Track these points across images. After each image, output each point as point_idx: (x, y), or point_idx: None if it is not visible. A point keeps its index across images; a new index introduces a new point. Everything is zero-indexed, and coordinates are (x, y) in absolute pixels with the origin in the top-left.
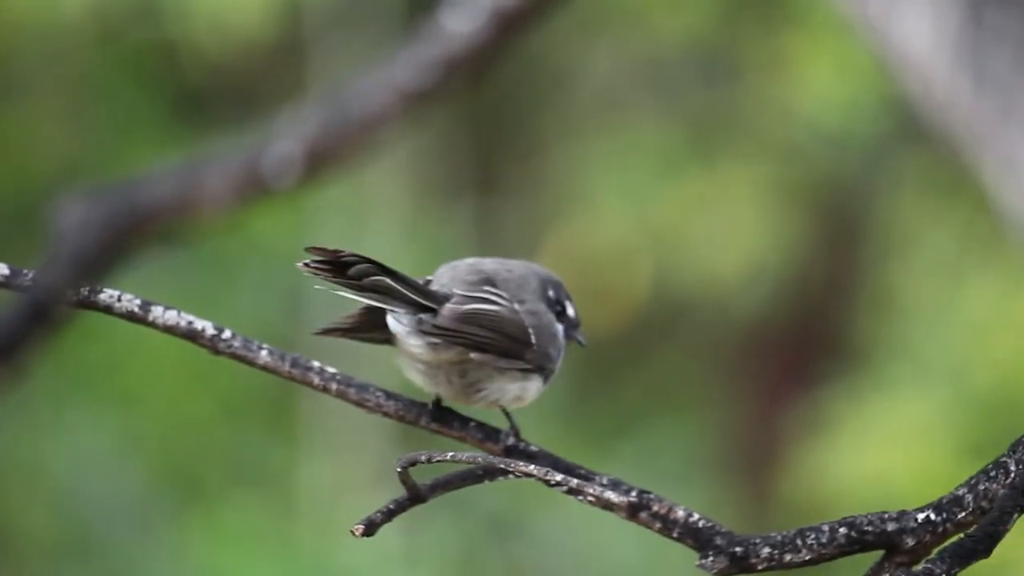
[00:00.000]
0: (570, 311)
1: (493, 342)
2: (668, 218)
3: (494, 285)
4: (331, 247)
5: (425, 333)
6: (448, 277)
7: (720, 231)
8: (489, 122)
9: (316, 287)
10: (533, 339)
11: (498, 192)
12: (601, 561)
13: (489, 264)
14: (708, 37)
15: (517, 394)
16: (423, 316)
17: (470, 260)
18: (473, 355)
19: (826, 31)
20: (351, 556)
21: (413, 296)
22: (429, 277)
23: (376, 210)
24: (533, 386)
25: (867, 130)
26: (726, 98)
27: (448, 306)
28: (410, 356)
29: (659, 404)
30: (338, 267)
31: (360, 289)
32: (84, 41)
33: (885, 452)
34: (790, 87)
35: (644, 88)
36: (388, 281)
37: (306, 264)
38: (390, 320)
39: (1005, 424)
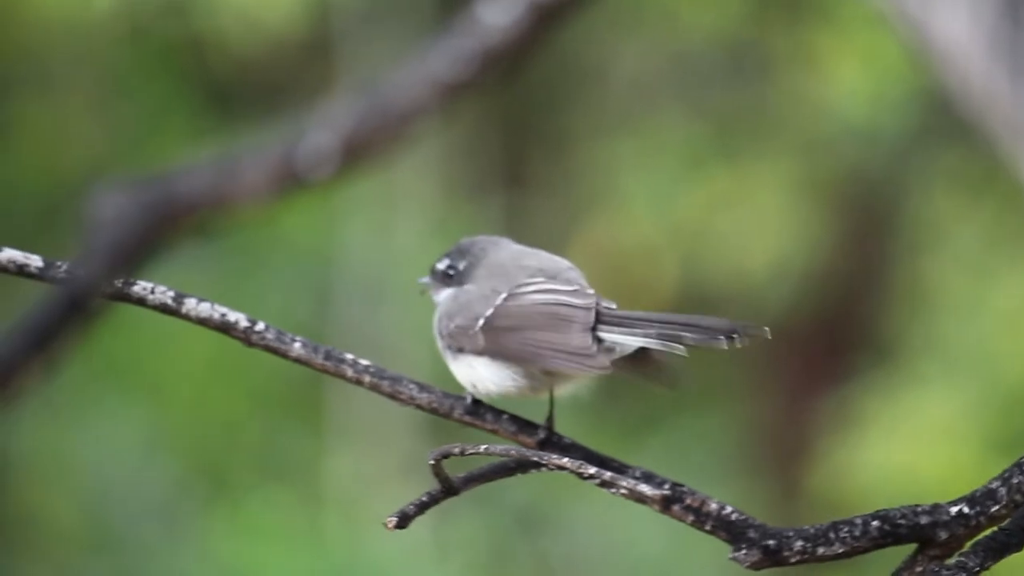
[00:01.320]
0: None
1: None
2: (696, 214)
3: (568, 282)
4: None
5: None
6: (544, 273)
7: (747, 226)
8: (518, 117)
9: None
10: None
11: (527, 187)
12: (629, 555)
13: (540, 258)
14: (736, 33)
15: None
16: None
17: (514, 249)
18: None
19: (854, 25)
20: (379, 549)
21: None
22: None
23: (405, 205)
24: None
25: (895, 125)
26: (754, 94)
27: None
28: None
29: (688, 399)
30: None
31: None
32: (114, 37)
33: (914, 447)
34: (818, 82)
35: (672, 84)
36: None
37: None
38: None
39: None
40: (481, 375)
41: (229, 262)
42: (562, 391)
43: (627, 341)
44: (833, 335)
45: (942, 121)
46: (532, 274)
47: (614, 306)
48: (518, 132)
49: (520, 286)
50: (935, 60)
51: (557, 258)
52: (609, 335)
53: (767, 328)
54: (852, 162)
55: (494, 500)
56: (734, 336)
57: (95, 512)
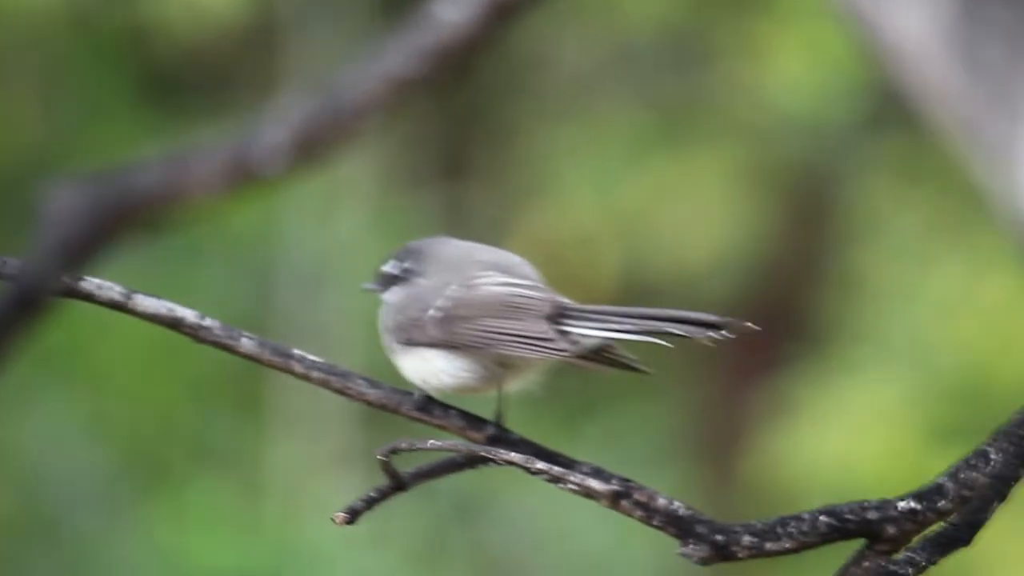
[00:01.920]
0: None
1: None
2: (637, 203)
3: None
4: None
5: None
6: (496, 268)
7: (688, 216)
8: (459, 107)
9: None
10: None
11: (468, 177)
12: (567, 543)
13: (489, 252)
14: (678, 22)
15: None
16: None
17: (468, 248)
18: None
19: (796, 16)
20: (317, 538)
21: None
22: (523, 282)
23: (345, 194)
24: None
25: (836, 115)
26: (696, 83)
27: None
28: (520, 362)
29: (625, 387)
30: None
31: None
32: (56, 25)
33: (851, 435)
34: (760, 72)
35: (614, 74)
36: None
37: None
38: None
39: (971, 408)
40: (435, 367)
41: (167, 251)
42: (513, 386)
43: (601, 335)
44: (772, 323)
45: (882, 111)
46: (485, 267)
47: (567, 301)
48: (458, 121)
49: (474, 278)
50: (886, 56)
51: (509, 254)
52: (580, 329)
53: (750, 323)
54: (793, 152)
55: (432, 489)
56: (720, 330)
57: (33, 500)
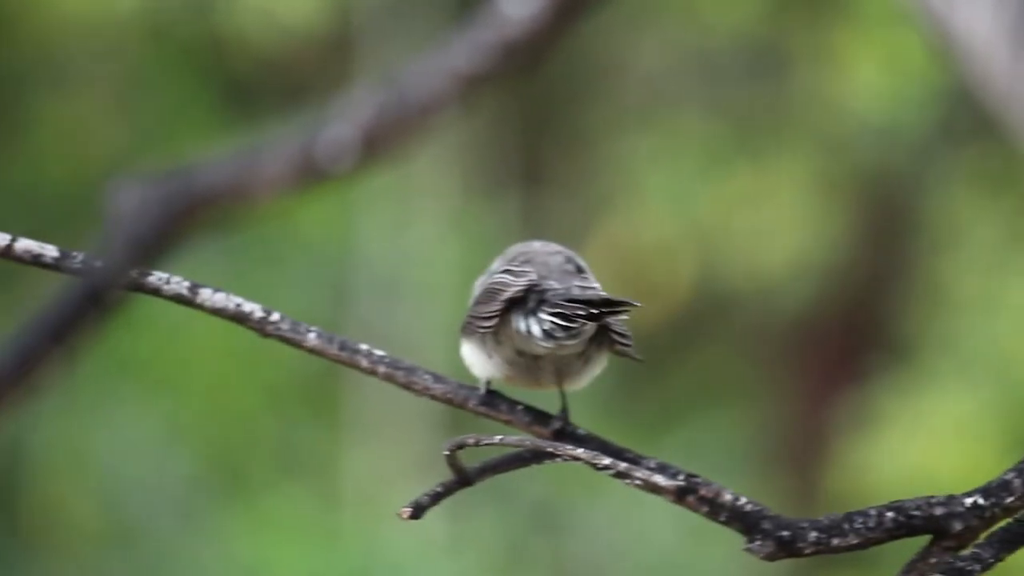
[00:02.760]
0: None
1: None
2: (714, 212)
3: (582, 270)
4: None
5: (562, 329)
6: (544, 268)
7: (766, 225)
8: (536, 113)
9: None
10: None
11: (545, 184)
12: (642, 551)
13: (542, 248)
14: (755, 30)
15: (597, 373)
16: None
17: (536, 246)
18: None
19: (874, 22)
20: (395, 545)
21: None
22: (525, 269)
23: (422, 200)
24: (603, 359)
25: (914, 123)
26: (773, 92)
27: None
28: (529, 350)
29: (704, 398)
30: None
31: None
32: (135, 35)
33: (930, 447)
34: (837, 80)
35: (691, 81)
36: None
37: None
38: (531, 321)
39: None
40: (466, 359)
41: (243, 257)
42: (569, 382)
43: (558, 321)
44: (851, 334)
45: (962, 118)
46: (511, 260)
47: (596, 286)
48: (536, 128)
49: (498, 271)
50: (957, 56)
51: (552, 245)
52: (545, 315)
53: (636, 302)
54: (872, 160)
55: (509, 496)
56: (605, 308)
57: (113, 507)
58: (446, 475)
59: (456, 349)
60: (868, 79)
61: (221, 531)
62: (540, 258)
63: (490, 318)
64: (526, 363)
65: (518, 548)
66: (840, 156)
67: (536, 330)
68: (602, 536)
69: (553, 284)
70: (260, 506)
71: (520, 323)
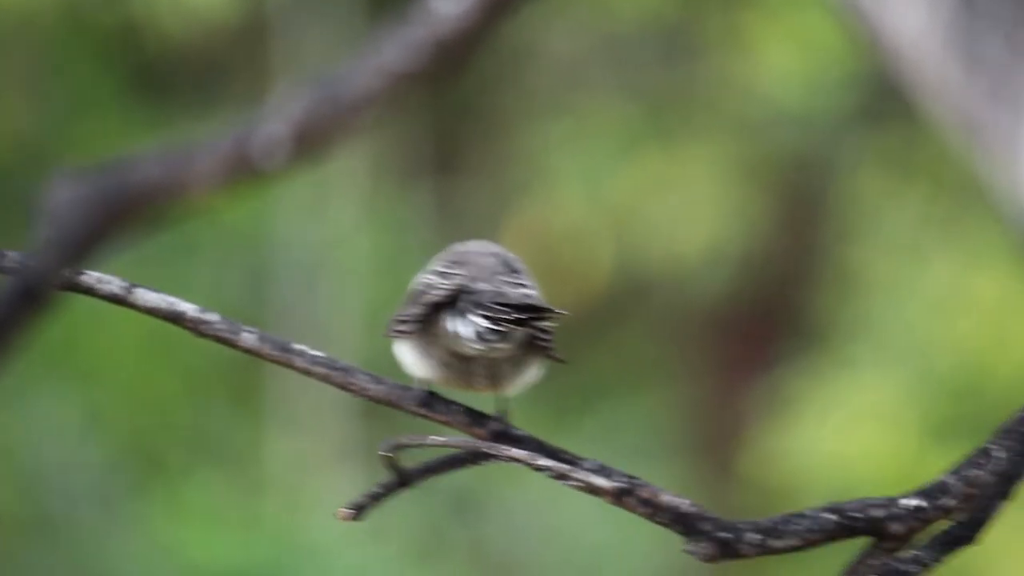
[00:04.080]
0: None
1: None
2: (628, 197)
3: (516, 272)
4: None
5: (492, 332)
6: (476, 269)
7: (680, 210)
8: (449, 102)
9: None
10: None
11: (459, 171)
12: (568, 540)
13: (478, 248)
14: (667, 15)
15: (535, 377)
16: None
17: (472, 247)
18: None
19: (786, 8)
20: (316, 533)
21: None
22: (456, 271)
23: (337, 186)
24: (538, 366)
25: (828, 108)
26: (686, 76)
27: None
28: (460, 352)
29: (621, 382)
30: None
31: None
32: (46, 20)
33: (847, 432)
34: (750, 65)
35: (603, 66)
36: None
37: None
38: (459, 322)
39: (967, 404)
40: (401, 360)
41: (161, 247)
42: (505, 386)
43: (483, 325)
44: (766, 319)
45: (877, 103)
46: (444, 261)
47: (530, 290)
48: (449, 117)
49: (426, 274)
50: (884, 50)
51: (489, 245)
52: (473, 317)
53: (563, 311)
54: (785, 145)
55: (431, 485)
56: (530, 314)
57: (31, 496)
58: (367, 463)
59: (374, 337)
60: (780, 64)
61: (141, 518)
62: (474, 259)
63: (410, 321)
64: (459, 365)
65: (439, 536)
66: (753, 141)
67: (465, 331)
68: (524, 524)
69: (483, 287)
70: (180, 493)
71: (449, 324)
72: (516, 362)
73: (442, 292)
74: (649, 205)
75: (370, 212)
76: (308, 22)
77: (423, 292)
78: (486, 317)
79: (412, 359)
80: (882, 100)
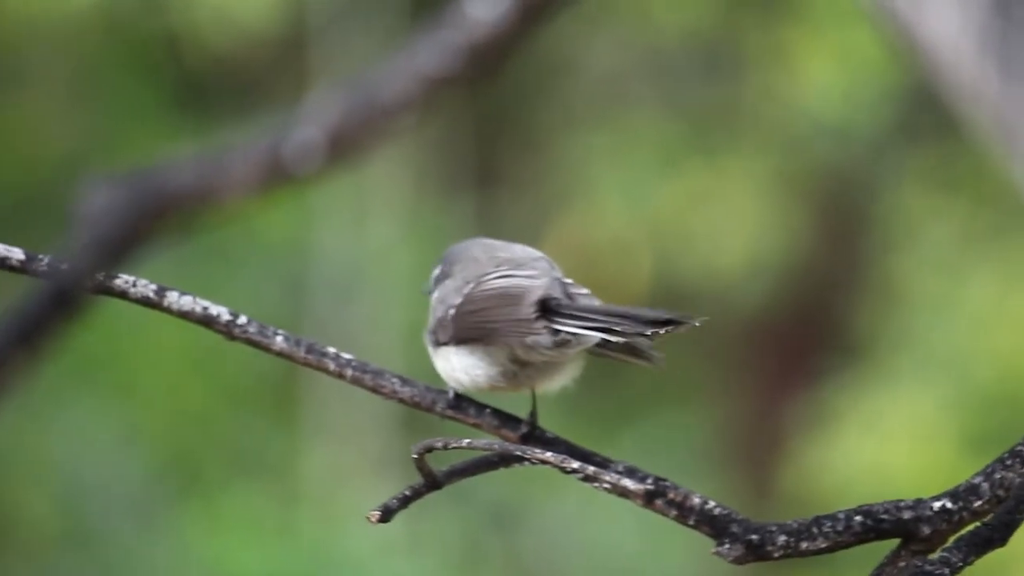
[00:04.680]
0: None
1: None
2: (670, 211)
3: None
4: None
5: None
6: (511, 263)
7: (721, 223)
8: (490, 113)
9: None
10: None
11: (500, 184)
12: (603, 551)
13: (523, 251)
14: (709, 29)
15: (575, 375)
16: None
17: (491, 245)
18: (612, 348)
19: (827, 22)
20: (353, 544)
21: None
22: (532, 273)
23: (377, 201)
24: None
25: (868, 121)
26: (727, 90)
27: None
28: (527, 359)
29: (661, 396)
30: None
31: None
32: (89, 32)
33: (887, 446)
34: (791, 79)
35: (645, 80)
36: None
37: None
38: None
39: (1006, 417)
40: (453, 365)
41: (202, 257)
42: (543, 385)
43: (575, 330)
44: (808, 333)
45: (917, 118)
46: (499, 263)
47: (585, 291)
48: (490, 128)
49: (487, 275)
50: (922, 58)
51: (530, 250)
52: (563, 326)
53: (702, 317)
54: (826, 159)
55: (468, 496)
56: (665, 326)
57: (70, 507)
58: (404, 475)
59: (411, 351)
60: (821, 78)
61: (178, 530)
62: (526, 261)
63: (525, 321)
64: (515, 370)
65: (476, 547)
66: (795, 155)
67: (545, 340)
68: (561, 535)
69: (557, 293)
70: (217, 505)
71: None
72: (566, 363)
73: (539, 293)
74: (689, 218)
75: (410, 225)
76: (350, 31)
77: (516, 294)
78: (598, 328)
79: (469, 363)
80: (922, 114)
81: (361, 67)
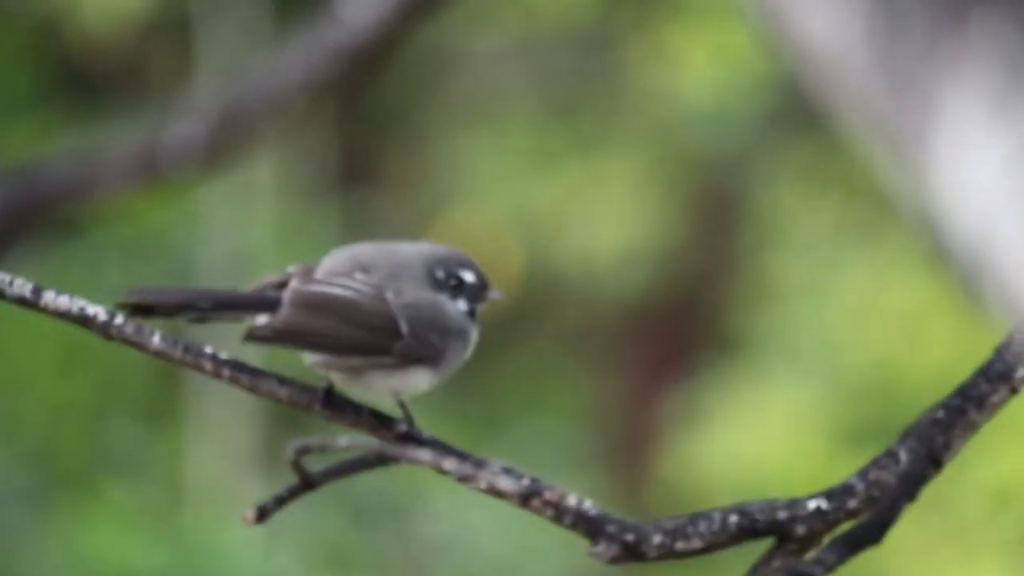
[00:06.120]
0: (469, 278)
1: (338, 338)
2: (545, 205)
3: (367, 272)
4: (149, 290)
5: (257, 339)
6: (326, 268)
7: (596, 217)
8: (362, 112)
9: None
10: (404, 328)
11: (379, 183)
12: (474, 547)
13: (369, 249)
14: (585, 20)
15: (395, 387)
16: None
17: (357, 246)
18: (310, 358)
19: (702, 15)
20: (227, 541)
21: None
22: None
23: (264, 201)
24: (417, 377)
25: (744, 108)
26: (602, 83)
27: (283, 308)
28: None
29: (529, 400)
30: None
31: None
32: None
33: (759, 439)
34: (667, 70)
35: (522, 77)
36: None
37: (123, 306)
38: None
39: (880, 409)
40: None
41: (80, 251)
42: (375, 391)
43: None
44: (681, 327)
45: (791, 111)
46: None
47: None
48: (361, 129)
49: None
50: (794, 50)
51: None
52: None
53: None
54: (702, 149)
55: (337, 491)
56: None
57: None
58: (282, 471)
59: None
60: (696, 68)
61: (54, 527)
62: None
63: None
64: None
65: (342, 544)
66: (668, 143)
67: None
68: (430, 531)
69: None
70: (94, 500)
71: None
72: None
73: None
74: (564, 213)
75: (292, 224)
76: (232, 19)
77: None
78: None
79: (424, 378)
80: (797, 108)
81: (237, 55)
